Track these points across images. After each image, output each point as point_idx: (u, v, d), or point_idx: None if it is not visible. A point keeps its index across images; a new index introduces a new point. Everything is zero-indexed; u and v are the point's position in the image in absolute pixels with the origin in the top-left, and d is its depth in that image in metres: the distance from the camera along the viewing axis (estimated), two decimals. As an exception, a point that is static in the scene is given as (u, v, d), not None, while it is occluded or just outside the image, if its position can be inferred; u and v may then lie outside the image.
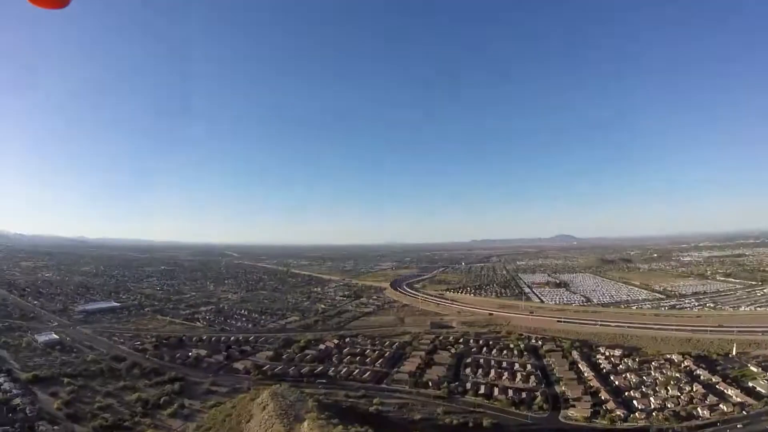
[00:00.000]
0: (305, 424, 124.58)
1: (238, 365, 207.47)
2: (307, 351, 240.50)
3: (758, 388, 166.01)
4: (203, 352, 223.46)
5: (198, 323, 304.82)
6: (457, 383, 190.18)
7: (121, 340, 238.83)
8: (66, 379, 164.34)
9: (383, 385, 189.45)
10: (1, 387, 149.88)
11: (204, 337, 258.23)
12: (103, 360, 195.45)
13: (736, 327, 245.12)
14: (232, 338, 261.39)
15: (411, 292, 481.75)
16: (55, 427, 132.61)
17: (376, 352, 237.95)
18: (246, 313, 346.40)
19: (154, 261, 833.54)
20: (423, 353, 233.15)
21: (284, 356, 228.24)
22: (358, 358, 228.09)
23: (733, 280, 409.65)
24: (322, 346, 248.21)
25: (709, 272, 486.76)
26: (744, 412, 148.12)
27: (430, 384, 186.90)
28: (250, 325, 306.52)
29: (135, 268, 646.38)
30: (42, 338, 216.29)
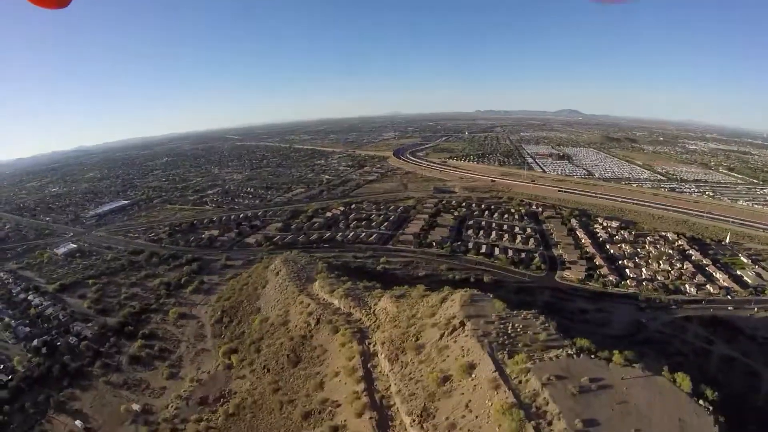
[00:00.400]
0: (316, 283, 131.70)
1: (250, 240, 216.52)
2: (314, 219, 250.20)
3: (745, 278, 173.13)
4: (215, 233, 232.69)
5: (207, 206, 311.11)
6: (459, 243, 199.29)
7: (136, 235, 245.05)
8: (91, 281, 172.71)
9: (389, 246, 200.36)
10: (32, 303, 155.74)
11: (214, 219, 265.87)
12: (122, 256, 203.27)
13: (732, 218, 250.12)
14: (241, 216, 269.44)
15: (414, 160, 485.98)
16: (89, 324, 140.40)
17: (381, 216, 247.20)
18: (252, 190, 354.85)
19: (157, 155, 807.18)
20: (426, 216, 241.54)
21: (293, 226, 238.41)
22: (364, 222, 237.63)
23: (735, 174, 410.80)
24: (328, 214, 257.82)
25: (712, 163, 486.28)
26: (729, 296, 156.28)
27: (434, 244, 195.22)
28: (257, 202, 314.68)
29: (138, 165, 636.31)
30: (61, 250, 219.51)
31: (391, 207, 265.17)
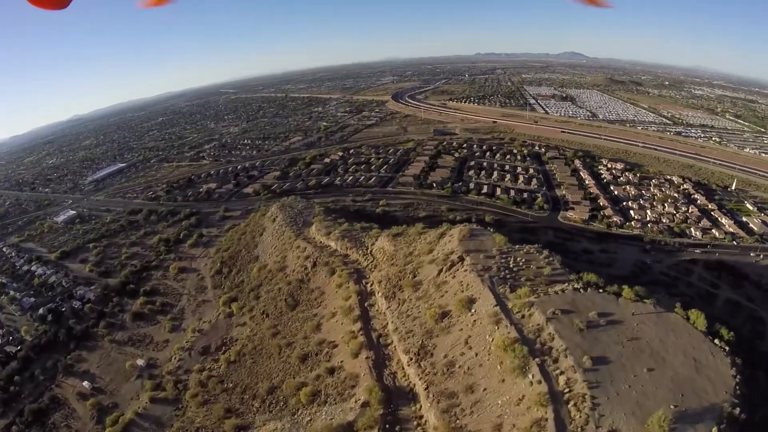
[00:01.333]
0: (313, 227, 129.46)
1: (248, 190, 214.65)
2: (312, 166, 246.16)
3: (751, 225, 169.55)
4: (213, 185, 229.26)
5: (204, 161, 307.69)
6: (460, 184, 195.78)
7: (134, 195, 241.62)
8: (91, 245, 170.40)
9: (389, 189, 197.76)
10: (36, 273, 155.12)
11: (212, 172, 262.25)
12: (121, 217, 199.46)
13: (739, 165, 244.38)
14: (239, 167, 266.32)
15: (413, 103, 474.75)
16: (92, 287, 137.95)
17: (381, 159, 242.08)
18: (249, 142, 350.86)
19: (152, 115, 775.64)
20: (427, 158, 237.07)
21: (291, 174, 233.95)
22: (363, 166, 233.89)
23: (742, 121, 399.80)
24: (327, 160, 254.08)
25: (719, 109, 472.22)
26: (734, 242, 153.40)
27: (434, 185, 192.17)
28: (254, 152, 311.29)
29: (134, 127, 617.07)
30: (61, 218, 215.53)
31: (391, 150, 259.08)
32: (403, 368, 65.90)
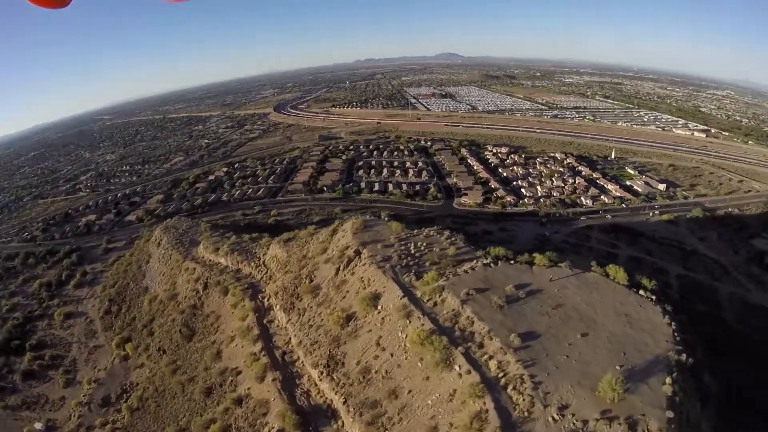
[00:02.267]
0: (200, 245, 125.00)
1: (131, 217, 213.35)
2: (197, 185, 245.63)
3: (635, 187, 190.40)
4: (92, 217, 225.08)
5: (81, 193, 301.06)
6: (351, 184, 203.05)
7: (8, 239, 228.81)
8: None
9: (279, 198, 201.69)
10: None
11: (90, 203, 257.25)
12: None
13: (614, 137, 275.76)
14: (119, 195, 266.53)
15: (296, 113, 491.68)
16: None
17: (267, 170, 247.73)
18: (128, 168, 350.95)
19: (22, 150, 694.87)
20: (314, 163, 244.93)
21: (175, 195, 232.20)
22: (249, 179, 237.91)
23: (611, 101, 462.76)
24: (211, 177, 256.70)
25: (589, 93, 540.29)
26: (623, 204, 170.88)
27: (325, 189, 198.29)
28: (135, 178, 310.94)
29: (2, 166, 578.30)
30: None
31: (277, 160, 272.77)
32: (316, 384, 58.51)
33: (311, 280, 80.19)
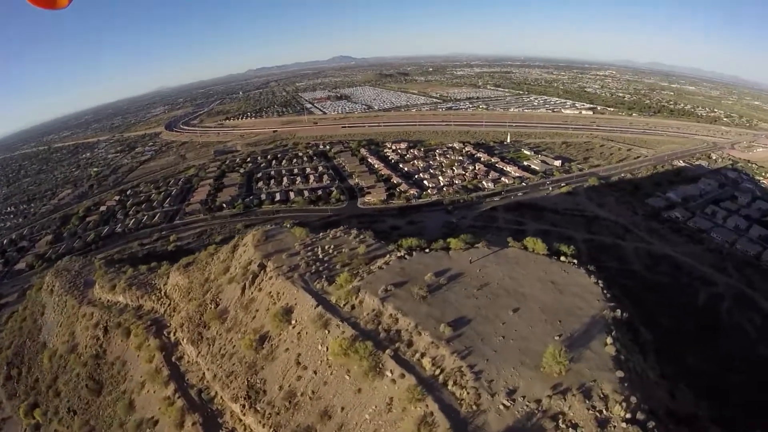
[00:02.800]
0: (96, 285, 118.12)
1: (20, 265, 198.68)
2: (88, 219, 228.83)
3: (533, 166, 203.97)
4: None
5: None
6: (251, 197, 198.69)
7: None
8: None
9: (177, 222, 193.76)
10: None
11: None
12: None
13: (508, 122, 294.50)
14: (5, 241, 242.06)
15: (188, 129, 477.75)
16: None
17: (162, 193, 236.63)
18: (12, 208, 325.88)
19: None
20: (211, 180, 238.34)
21: (65, 234, 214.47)
22: (144, 205, 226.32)
23: (502, 89, 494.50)
24: (103, 208, 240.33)
25: (480, 83, 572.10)
26: (524, 183, 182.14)
27: (225, 206, 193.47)
28: (20, 219, 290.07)
29: None
30: None
31: (171, 182, 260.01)
32: (240, 419, 53.58)
33: (217, 305, 74.22)
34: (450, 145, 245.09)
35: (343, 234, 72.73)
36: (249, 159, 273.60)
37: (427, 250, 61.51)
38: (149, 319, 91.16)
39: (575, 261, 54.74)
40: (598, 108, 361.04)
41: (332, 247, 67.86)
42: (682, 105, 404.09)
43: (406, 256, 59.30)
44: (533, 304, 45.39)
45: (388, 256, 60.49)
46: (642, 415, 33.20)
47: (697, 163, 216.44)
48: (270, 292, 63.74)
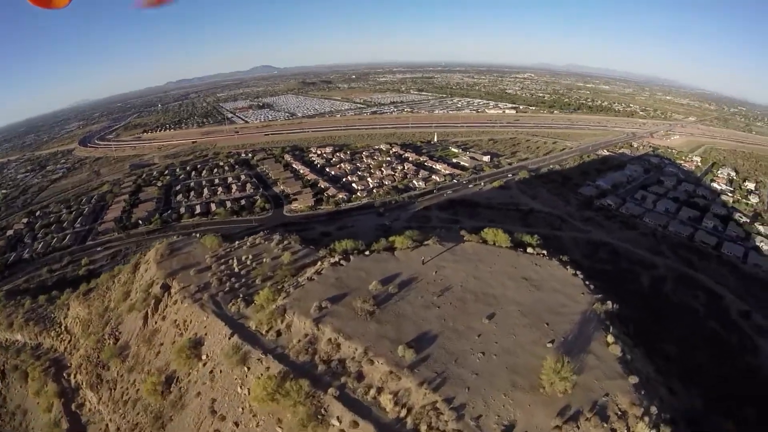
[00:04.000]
0: None
1: None
2: None
3: (462, 163, 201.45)
4: None
5: None
6: (169, 212, 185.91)
7: None
8: None
9: (89, 243, 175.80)
10: None
11: None
12: None
13: (434, 123, 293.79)
14: None
15: (103, 144, 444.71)
16: None
17: (73, 213, 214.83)
18: None
19: None
20: (127, 196, 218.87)
21: None
22: (54, 227, 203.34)
23: (426, 93, 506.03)
24: (10, 233, 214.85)
25: (404, 88, 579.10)
26: (455, 180, 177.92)
27: (140, 222, 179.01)
28: None
29: None
30: None
31: (84, 200, 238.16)
32: None
33: (116, 340, 62.20)
34: (377, 146, 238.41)
35: (263, 241, 60.48)
36: (167, 171, 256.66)
37: (366, 253, 50.81)
38: (48, 359, 79.37)
39: (545, 252, 46.46)
40: (521, 107, 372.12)
41: (251, 257, 55.72)
42: (600, 102, 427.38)
43: (342, 262, 48.27)
44: (510, 307, 36.42)
45: (319, 263, 49.36)
46: (667, 429, 26.52)
47: (620, 151, 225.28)
48: (175, 320, 51.55)
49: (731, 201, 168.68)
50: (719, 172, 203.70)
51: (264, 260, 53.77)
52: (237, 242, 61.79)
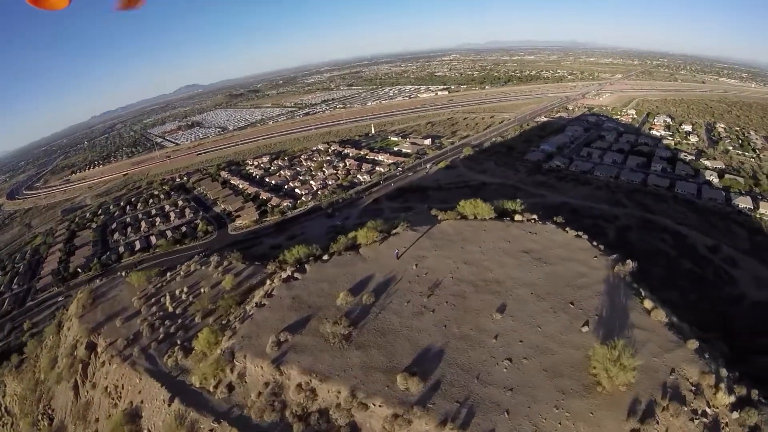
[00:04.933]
0: None
1: None
2: None
3: (404, 150, 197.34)
4: None
5: None
6: (108, 253, 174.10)
7: None
8: None
9: (30, 304, 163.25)
10: None
11: None
12: None
13: (369, 115, 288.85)
14: None
15: (32, 194, 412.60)
16: None
17: (9, 273, 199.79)
18: None
19: None
20: (61, 245, 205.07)
21: None
22: None
23: (356, 87, 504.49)
24: None
25: (333, 86, 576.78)
26: (399, 168, 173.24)
27: (80, 270, 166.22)
28: None
29: None
30: None
31: (17, 257, 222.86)
32: None
33: (51, 419, 51.45)
34: (314, 148, 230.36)
35: (199, 266, 49.84)
36: (100, 211, 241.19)
37: (325, 258, 41.04)
38: (-13, 451, 68.35)
39: (535, 217, 38.91)
40: (452, 87, 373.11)
41: (185, 290, 44.88)
42: (528, 72, 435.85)
43: (297, 275, 38.34)
44: (520, 291, 28.53)
45: (268, 282, 39.27)
46: (741, 389, 22.32)
47: (557, 115, 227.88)
48: (107, 387, 40.53)
49: (673, 144, 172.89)
50: (655, 120, 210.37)
51: (202, 290, 43.36)
52: (169, 274, 50.89)
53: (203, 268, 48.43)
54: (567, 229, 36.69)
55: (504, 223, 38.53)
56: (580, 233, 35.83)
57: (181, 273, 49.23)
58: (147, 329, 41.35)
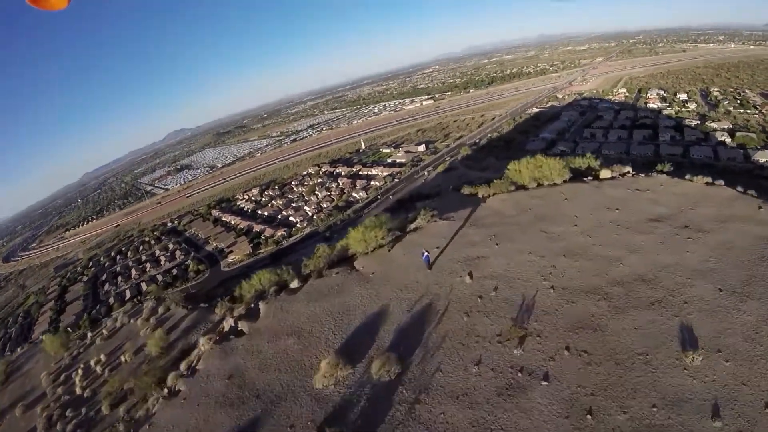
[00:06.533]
0: None
1: None
2: None
3: (398, 159, 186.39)
4: None
5: None
6: (98, 306, 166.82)
7: None
8: None
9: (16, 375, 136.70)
10: None
11: None
12: None
13: (358, 132, 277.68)
14: None
15: (26, 254, 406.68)
16: None
17: (1, 340, 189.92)
18: None
19: None
20: (52, 303, 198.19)
21: None
22: None
23: (341, 109, 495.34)
24: None
25: (317, 111, 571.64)
26: (396, 179, 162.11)
27: (69, 330, 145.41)
28: None
29: None
30: None
31: (10, 321, 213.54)
32: None
33: None
34: (304, 173, 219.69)
35: (128, 320, 33.60)
36: (91, 264, 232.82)
37: (294, 285, 24.65)
38: None
39: (628, 170, 23.24)
40: (437, 96, 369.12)
41: (102, 359, 28.71)
42: (510, 70, 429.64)
43: (243, 325, 22.25)
44: (694, 290, 13.51)
45: (202, 345, 22.84)
46: None
47: (549, 105, 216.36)
48: None
49: (674, 113, 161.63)
50: (649, 94, 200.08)
51: (124, 358, 27.35)
52: (90, 333, 35.12)
53: (132, 321, 32.34)
54: (688, 176, 21.34)
55: (589, 184, 22.79)
56: (709, 179, 20.63)
57: (105, 331, 33.30)
58: (44, 424, 25.37)
